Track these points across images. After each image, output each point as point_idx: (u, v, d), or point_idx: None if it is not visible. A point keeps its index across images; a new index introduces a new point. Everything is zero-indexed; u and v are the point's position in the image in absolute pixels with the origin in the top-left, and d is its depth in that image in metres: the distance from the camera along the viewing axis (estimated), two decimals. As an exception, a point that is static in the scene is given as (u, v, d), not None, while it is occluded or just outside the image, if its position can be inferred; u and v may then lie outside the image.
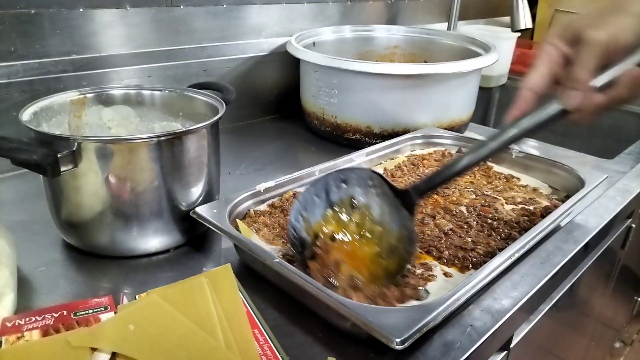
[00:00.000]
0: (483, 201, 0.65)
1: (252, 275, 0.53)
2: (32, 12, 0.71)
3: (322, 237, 0.52)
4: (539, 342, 0.71)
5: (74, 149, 0.50)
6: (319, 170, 0.68)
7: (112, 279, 0.53)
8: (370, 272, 0.49)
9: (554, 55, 0.45)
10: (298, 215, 0.53)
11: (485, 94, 1.38)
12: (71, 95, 0.63)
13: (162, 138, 0.52)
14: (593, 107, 0.42)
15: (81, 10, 0.75)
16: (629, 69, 0.41)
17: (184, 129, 0.54)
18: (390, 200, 0.53)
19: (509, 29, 1.21)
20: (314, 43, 1.03)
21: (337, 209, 0.54)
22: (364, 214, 0.54)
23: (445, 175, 0.50)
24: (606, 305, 1.07)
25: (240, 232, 0.53)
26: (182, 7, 0.86)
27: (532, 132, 0.45)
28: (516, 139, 0.46)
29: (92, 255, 0.56)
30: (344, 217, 0.53)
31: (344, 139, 0.91)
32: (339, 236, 0.52)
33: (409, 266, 0.50)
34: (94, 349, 0.37)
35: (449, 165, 0.50)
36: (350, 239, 0.52)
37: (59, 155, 0.48)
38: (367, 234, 0.52)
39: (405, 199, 0.52)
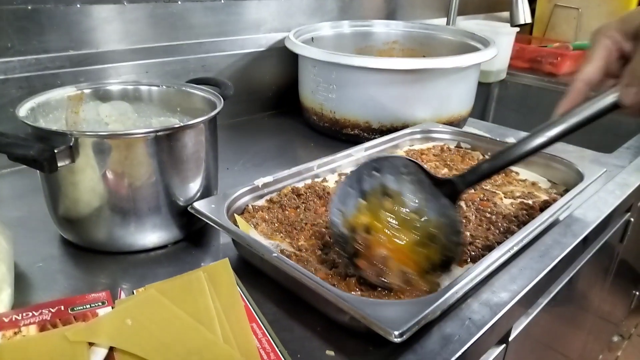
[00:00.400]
0: (482, 195, 0.64)
1: (251, 270, 0.53)
2: (30, 7, 0.71)
3: (359, 230, 0.49)
4: (537, 336, 0.71)
5: (71, 144, 0.50)
6: (317, 165, 0.68)
7: (110, 275, 0.53)
8: (416, 263, 0.47)
9: (611, 49, 0.44)
10: (335, 210, 0.51)
11: (484, 89, 1.38)
12: (68, 91, 0.63)
13: (160, 133, 0.52)
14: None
15: (78, 6, 0.75)
16: None
17: (182, 124, 0.53)
18: (426, 188, 0.51)
19: (508, 24, 1.21)
20: (312, 38, 1.03)
21: (369, 198, 0.52)
22: (396, 202, 0.51)
23: (495, 165, 0.48)
24: (604, 299, 1.07)
25: (238, 227, 0.53)
26: (179, 2, 0.86)
27: (583, 125, 0.45)
28: (569, 131, 0.46)
29: (90, 251, 0.56)
30: (376, 206, 0.51)
31: (342, 135, 0.91)
32: (374, 227, 0.50)
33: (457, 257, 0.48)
34: (91, 344, 0.37)
35: (497, 154, 0.48)
36: (386, 229, 0.49)
37: (55, 151, 0.48)
38: (402, 223, 0.50)
39: (447, 188, 0.50)
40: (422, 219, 0.50)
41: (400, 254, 0.48)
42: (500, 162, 0.48)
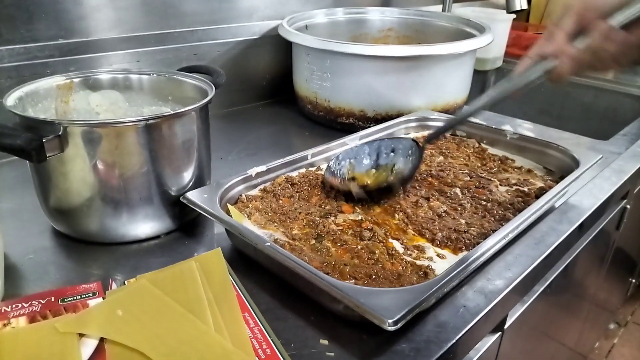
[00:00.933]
0: (477, 183, 0.64)
1: (244, 259, 0.53)
2: (16, -5, 0.69)
3: (359, 183, 0.62)
4: (533, 324, 0.71)
5: (60, 133, 0.49)
6: (311, 154, 0.67)
7: (102, 266, 0.52)
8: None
9: (571, 28, 0.50)
10: (347, 157, 0.66)
11: (480, 76, 1.37)
12: (57, 80, 0.61)
13: (150, 121, 0.51)
14: (569, 59, 0.49)
15: (66, -7, 0.74)
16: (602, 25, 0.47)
17: (172, 112, 0.52)
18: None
19: (504, 11, 1.20)
20: (306, 26, 1.01)
21: (379, 169, 0.66)
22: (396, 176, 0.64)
23: (450, 123, 0.68)
24: (600, 287, 1.08)
25: (231, 217, 0.53)
26: (170, -11, 0.84)
27: (523, 88, 0.55)
28: (510, 91, 0.56)
29: (82, 242, 0.56)
30: (383, 177, 0.65)
31: (337, 123, 0.90)
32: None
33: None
34: (81, 335, 0.37)
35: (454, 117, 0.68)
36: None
37: (44, 140, 0.47)
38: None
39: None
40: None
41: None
42: (455, 119, 0.68)
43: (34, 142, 0.47)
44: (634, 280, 1.41)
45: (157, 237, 0.57)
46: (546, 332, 0.84)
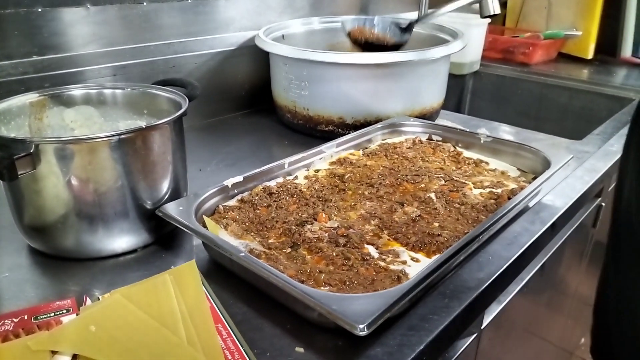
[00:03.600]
0: (451, 186, 0.65)
1: (222, 271, 0.53)
2: (-12, 13, 0.69)
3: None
4: (512, 322, 0.72)
5: (31, 151, 0.49)
6: (288, 163, 0.68)
7: (78, 282, 0.52)
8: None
9: None
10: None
11: (458, 81, 1.39)
12: (30, 97, 0.61)
13: (123, 136, 0.52)
14: None
15: (39, 10, 0.74)
16: None
17: (144, 126, 0.53)
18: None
19: (479, 16, 1.22)
20: (282, 36, 1.02)
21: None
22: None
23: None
24: (582, 283, 1.09)
25: (207, 229, 0.53)
26: (145, 3, 0.85)
27: None
28: None
29: (58, 258, 0.55)
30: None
31: (317, 131, 0.91)
32: None
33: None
34: (54, 352, 0.37)
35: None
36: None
37: (15, 158, 0.47)
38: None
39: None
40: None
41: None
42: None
43: (4, 161, 0.47)
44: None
45: (134, 251, 0.57)
46: (528, 330, 0.85)
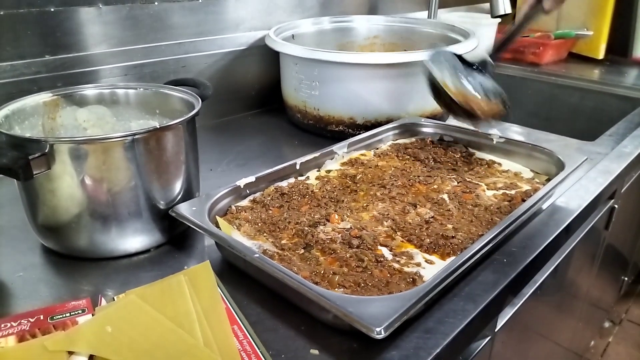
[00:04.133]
0: (464, 188, 0.65)
1: (235, 271, 0.53)
2: (2, 13, 0.69)
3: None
4: (525, 325, 0.72)
5: (46, 151, 0.49)
6: (299, 163, 0.68)
7: (92, 281, 0.52)
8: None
9: None
10: (447, 67, 0.75)
11: (468, 81, 1.38)
12: (44, 96, 0.62)
13: (137, 136, 0.52)
14: None
15: (52, 9, 0.74)
16: None
17: (158, 126, 0.53)
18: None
19: (489, 15, 1.21)
20: (293, 36, 1.02)
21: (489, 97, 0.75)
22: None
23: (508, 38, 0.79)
24: (593, 286, 1.08)
25: (220, 229, 0.53)
26: (156, 3, 0.85)
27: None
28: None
29: (72, 258, 0.55)
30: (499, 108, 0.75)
31: (327, 132, 0.91)
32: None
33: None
34: (70, 353, 0.37)
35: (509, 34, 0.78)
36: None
37: (30, 158, 0.47)
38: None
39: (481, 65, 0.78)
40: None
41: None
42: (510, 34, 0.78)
43: (20, 161, 0.47)
44: (626, 279, 1.42)
45: (147, 251, 0.57)
46: (540, 333, 0.85)
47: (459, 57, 0.78)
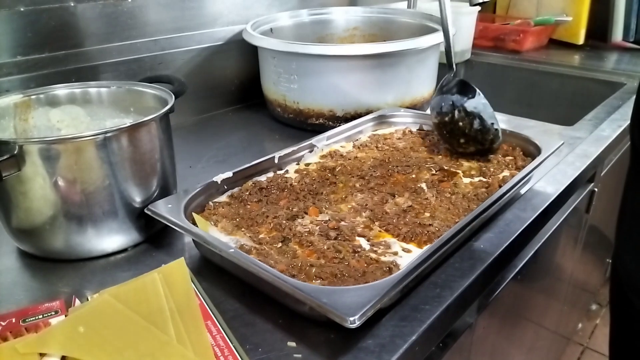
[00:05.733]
0: (442, 176, 0.65)
1: (213, 268, 0.53)
2: (-31, 14, 0.68)
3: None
4: (507, 310, 0.72)
5: (16, 152, 0.48)
6: (278, 157, 0.67)
7: (69, 283, 0.52)
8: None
9: None
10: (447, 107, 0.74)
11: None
12: (14, 98, 0.61)
13: (109, 134, 0.51)
14: None
15: (22, 9, 0.73)
16: None
17: (129, 124, 0.52)
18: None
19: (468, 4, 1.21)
20: (271, 29, 1.02)
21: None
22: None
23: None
24: (577, 269, 1.10)
25: (196, 226, 0.53)
26: (129, 0, 0.84)
27: None
28: None
29: (48, 260, 0.55)
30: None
31: (307, 125, 0.91)
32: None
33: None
34: (42, 355, 0.37)
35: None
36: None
37: (-2, 161, 0.47)
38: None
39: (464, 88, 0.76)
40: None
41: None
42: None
43: (-13, 163, 0.46)
44: (610, 261, 1.43)
45: (124, 250, 0.56)
46: (524, 317, 0.85)
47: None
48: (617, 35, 1.47)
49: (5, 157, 0.47)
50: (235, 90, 1.04)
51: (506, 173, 0.66)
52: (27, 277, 0.53)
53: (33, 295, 0.50)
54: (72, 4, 0.77)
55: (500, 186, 0.61)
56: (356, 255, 0.50)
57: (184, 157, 0.79)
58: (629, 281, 0.61)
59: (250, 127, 0.95)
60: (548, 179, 0.70)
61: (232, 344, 0.38)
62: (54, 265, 0.54)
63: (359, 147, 0.75)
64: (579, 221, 0.96)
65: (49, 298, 0.49)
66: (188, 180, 0.68)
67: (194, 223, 0.54)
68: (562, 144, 0.68)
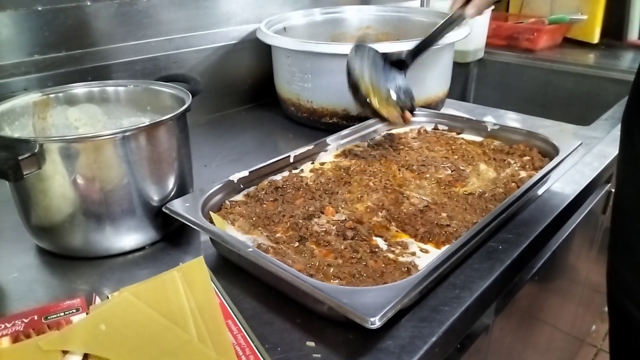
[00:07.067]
0: (457, 176, 0.64)
1: (230, 266, 0.53)
2: (-12, 13, 0.69)
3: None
4: (523, 311, 0.72)
5: (36, 151, 0.49)
6: (293, 156, 0.67)
7: (87, 280, 0.52)
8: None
9: None
10: (364, 69, 0.72)
11: (462, 69, 1.38)
12: (33, 96, 0.61)
13: (127, 133, 0.51)
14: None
15: (39, 9, 0.73)
16: None
17: (148, 123, 0.52)
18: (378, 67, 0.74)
19: (482, 2, 1.20)
20: (284, 28, 1.02)
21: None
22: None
23: (425, 43, 0.76)
24: (592, 271, 1.08)
25: (214, 225, 0.53)
26: (145, -1, 0.84)
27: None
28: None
29: (67, 257, 0.55)
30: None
31: (321, 124, 0.91)
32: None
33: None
34: (65, 352, 0.37)
35: (427, 38, 0.75)
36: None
37: (20, 159, 0.47)
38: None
39: (400, 63, 0.75)
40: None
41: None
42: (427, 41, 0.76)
43: (9, 161, 0.46)
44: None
45: (142, 248, 0.57)
46: (539, 318, 0.85)
47: (383, 54, 0.76)
48: (633, 33, 1.45)
49: (26, 155, 0.48)
50: (249, 89, 1.04)
51: (523, 174, 0.65)
52: (46, 275, 0.54)
53: (52, 292, 0.50)
54: (89, 3, 0.78)
55: (518, 187, 0.60)
56: (374, 255, 0.50)
57: (199, 155, 0.79)
58: (623, 288, 0.61)
59: (264, 126, 0.95)
60: (566, 179, 0.69)
61: (253, 343, 0.38)
62: (73, 263, 0.55)
63: (373, 147, 0.75)
64: (595, 222, 0.95)
65: (67, 295, 0.49)
66: (203, 178, 0.68)
67: (211, 222, 0.54)
68: (581, 144, 0.67)
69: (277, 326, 0.44)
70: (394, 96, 0.73)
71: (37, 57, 0.75)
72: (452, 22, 0.74)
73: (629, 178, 0.60)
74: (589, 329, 1.38)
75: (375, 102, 0.71)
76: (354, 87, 0.71)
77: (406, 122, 0.74)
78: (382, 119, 0.72)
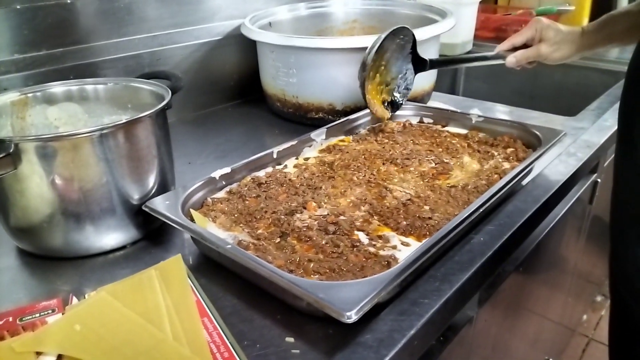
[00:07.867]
0: (441, 169, 0.64)
1: (211, 264, 0.53)
2: (-36, 12, 0.68)
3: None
4: (509, 302, 0.72)
5: (11, 150, 0.48)
6: (276, 152, 0.67)
7: (67, 281, 0.52)
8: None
9: (530, 36, 0.74)
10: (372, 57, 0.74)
11: (451, 62, 1.37)
12: (11, 96, 0.61)
13: (105, 131, 0.51)
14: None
15: (18, 7, 0.72)
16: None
17: (125, 120, 0.52)
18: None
19: (469, -6, 1.20)
20: (270, 23, 1.01)
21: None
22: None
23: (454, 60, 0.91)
24: (581, 260, 1.09)
25: (194, 222, 0.52)
26: (126, -4, 0.83)
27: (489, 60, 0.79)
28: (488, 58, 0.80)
29: (47, 258, 0.55)
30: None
31: (307, 119, 0.90)
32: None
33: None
34: (38, 353, 0.36)
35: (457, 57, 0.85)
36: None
37: (-6, 159, 0.47)
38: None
39: (421, 62, 0.81)
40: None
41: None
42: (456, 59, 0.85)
43: (-17, 162, 0.46)
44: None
45: (123, 247, 0.56)
46: (527, 309, 0.85)
47: (414, 44, 0.79)
48: (621, 23, 1.44)
49: (1, 155, 0.47)
50: (235, 86, 1.03)
51: (507, 165, 0.65)
52: (26, 276, 0.53)
53: (32, 293, 0.50)
54: (69, 1, 0.77)
55: (501, 178, 0.60)
56: (355, 249, 0.50)
57: (184, 153, 0.79)
58: (626, 283, 0.61)
59: (250, 122, 0.95)
60: (550, 170, 0.69)
61: (228, 340, 0.38)
62: (53, 264, 0.54)
63: (358, 141, 0.75)
64: (582, 212, 0.95)
65: (48, 296, 0.49)
66: (187, 176, 0.68)
67: (192, 219, 0.53)
68: (564, 134, 0.67)
69: (257, 323, 0.44)
70: (394, 84, 0.78)
71: (17, 56, 0.74)
72: (488, 58, 0.78)
73: (628, 171, 0.60)
74: (580, 318, 1.39)
75: (367, 85, 0.74)
76: (363, 64, 0.75)
77: (381, 117, 0.76)
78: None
